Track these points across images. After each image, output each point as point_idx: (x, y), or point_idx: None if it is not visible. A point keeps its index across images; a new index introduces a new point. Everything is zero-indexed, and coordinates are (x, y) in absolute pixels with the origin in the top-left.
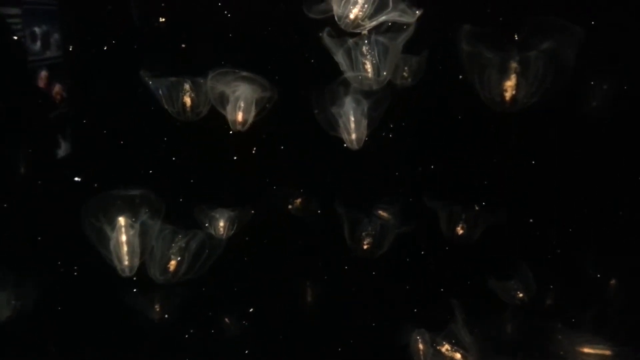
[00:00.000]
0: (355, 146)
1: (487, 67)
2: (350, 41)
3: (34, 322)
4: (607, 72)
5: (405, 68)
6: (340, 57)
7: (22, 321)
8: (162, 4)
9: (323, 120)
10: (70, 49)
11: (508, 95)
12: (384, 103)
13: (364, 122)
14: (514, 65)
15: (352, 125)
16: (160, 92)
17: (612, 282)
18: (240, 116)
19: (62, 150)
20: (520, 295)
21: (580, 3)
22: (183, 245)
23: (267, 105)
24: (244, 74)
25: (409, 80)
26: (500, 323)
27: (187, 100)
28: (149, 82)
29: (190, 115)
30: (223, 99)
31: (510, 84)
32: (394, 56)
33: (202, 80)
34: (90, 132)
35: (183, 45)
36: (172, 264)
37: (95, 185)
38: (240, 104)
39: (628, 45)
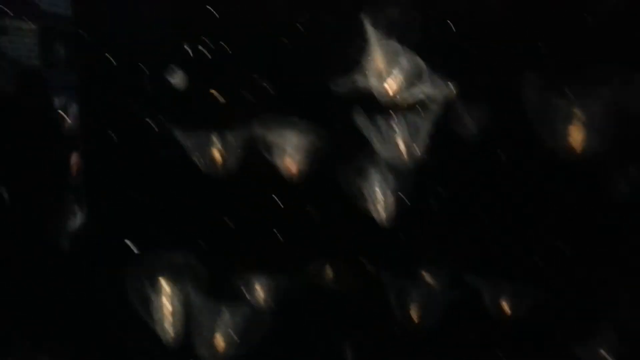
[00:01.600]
0: (384, 224)
1: (552, 115)
2: (382, 119)
3: None
4: None
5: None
6: (371, 134)
7: None
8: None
9: (350, 194)
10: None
11: (573, 143)
12: (412, 177)
13: (392, 198)
14: (577, 112)
15: (380, 201)
16: (187, 145)
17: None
18: (291, 164)
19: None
20: None
21: None
22: (228, 319)
23: (320, 152)
24: (293, 119)
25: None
26: None
27: (217, 154)
28: (176, 135)
29: (221, 170)
30: (271, 147)
31: (575, 131)
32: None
33: (231, 134)
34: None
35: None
36: (218, 338)
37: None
38: (290, 151)
39: None
